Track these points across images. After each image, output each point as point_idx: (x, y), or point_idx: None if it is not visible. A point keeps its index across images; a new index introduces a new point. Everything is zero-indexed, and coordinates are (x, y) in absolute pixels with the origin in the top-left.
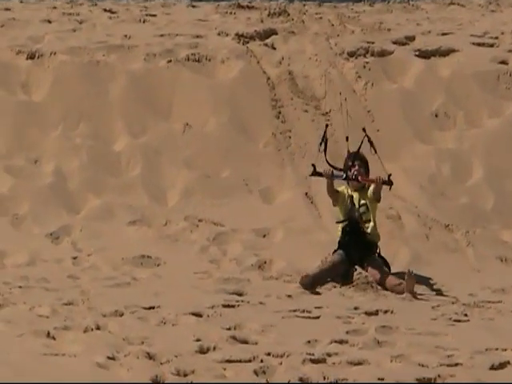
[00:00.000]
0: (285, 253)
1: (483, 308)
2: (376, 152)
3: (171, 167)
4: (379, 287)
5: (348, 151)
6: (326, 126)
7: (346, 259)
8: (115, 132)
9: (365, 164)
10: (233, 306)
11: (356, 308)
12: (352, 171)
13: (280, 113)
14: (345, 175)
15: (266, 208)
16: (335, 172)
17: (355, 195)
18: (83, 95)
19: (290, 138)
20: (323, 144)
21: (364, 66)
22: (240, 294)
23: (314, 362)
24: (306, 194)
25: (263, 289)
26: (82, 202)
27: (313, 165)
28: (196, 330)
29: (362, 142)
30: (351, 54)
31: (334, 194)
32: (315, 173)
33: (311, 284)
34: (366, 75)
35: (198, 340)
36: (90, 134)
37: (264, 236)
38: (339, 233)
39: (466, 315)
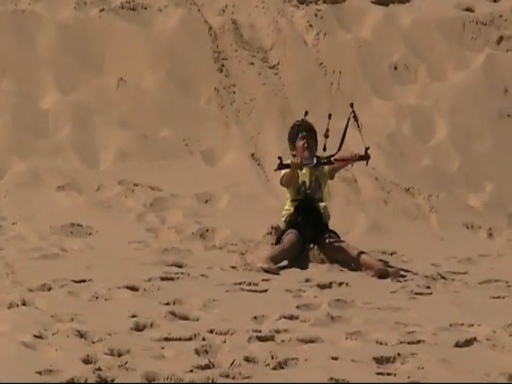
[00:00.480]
0: (229, 220)
1: (448, 280)
2: (360, 129)
3: (104, 127)
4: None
5: (297, 122)
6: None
7: (301, 240)
8: (42, 88)
9: (313, 134)
10: (172, 279)
11: (307, 280)
12: (301, 144)
13: (223, 66)
14: (315, 161)
15: (208, 171)
16: (304, 161)
17: (305, 171)
18: (7, 48)
19: (234, 93)
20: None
21: (316, 14)
22: (180, 266)
23: (261, 339)
24: (253, 155)
25: (205, 260)
26: (5, 165)
27: (279, 157)
28: (131, 305)
29: (349, 118)
30: (302, 1)
31: (294, 182)
32: (282, 165)
33: (276, 267)
34: (317, 24)
35: (133, 316)
36: (15, 91)
37: (206, 202)
38: (288, 211)
39: (428, 288)
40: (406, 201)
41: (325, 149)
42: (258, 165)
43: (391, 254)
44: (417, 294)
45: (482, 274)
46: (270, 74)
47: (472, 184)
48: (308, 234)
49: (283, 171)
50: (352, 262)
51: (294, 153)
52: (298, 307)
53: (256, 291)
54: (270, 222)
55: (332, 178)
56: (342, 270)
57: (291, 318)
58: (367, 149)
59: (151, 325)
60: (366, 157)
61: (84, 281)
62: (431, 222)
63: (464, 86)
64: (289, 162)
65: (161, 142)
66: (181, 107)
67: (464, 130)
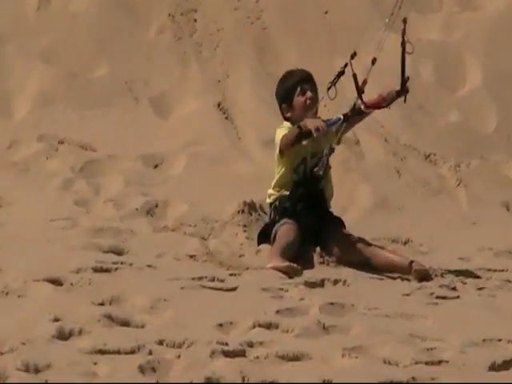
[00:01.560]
0: (186, 192)
1: (480, 279)
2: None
3: (20, 61)
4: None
5: (291, 72)
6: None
7: (299, 233)
8: None
9: (315, 86)
10: (108, 271)
11: (292, 276)
12: (303, 100)
13: None
14: (342, 117)
15: (159, 125)
16: (328, 121)
17: (306, 142)
18: None
19: (195, 21)
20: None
21: None
22: (119, 253)
23: (227, 354)
24: (219, 105)
25: (154, 245)
26: None
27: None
28: (54, 304)
29: (403, 47)
30: None
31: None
32: (303, 134)
33: (295, 266)
34: None
35: (56, 320)
36: None
37: (156, 166)
38: (279, 194)
39: (454, 289)
40: (426, 170)
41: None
42: (226, 118)
43: (405, 243)
44: (438, 297)
45: None
46: None
47: None
48: (309, 228)
49: (282, 134)
50: (373, 265)
51: (288, 114)
52: (278, 312)
53: (222, 289)
54: (241, 196)
55: (339, 142)
56: (338, 265)
57: (269, 326)
58: (406, 80)
59: (80, 331)
60: (403, 91)
61: None
62: (459, 199)
63: (504, 15)
64: (308, 124)
65: (95, 83)
66: (123, 38)
67: (504, 76)
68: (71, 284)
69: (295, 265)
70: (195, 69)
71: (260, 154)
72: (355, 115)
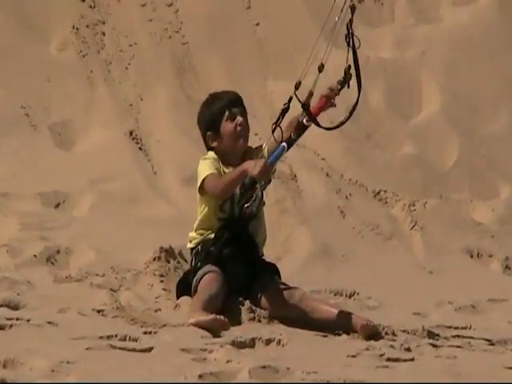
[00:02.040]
0: (93, 236)
1: (438, 338)
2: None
3: None
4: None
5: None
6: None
7: (226, 283)
8: None
9: (245, 111)
10: (2, 328)
11: (217, 335)
12: (232, 127)
13: None
14: (285, 144)
15: (61, 157)
16: (270, 158)
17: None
18: None
19: (103, 34)
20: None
21: None
22: (14, 308)
23: None
24: (131, 133)
25: (55, 299)
26: None
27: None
28: None
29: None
30: None
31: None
32: (246, 193)
33: (223, 318)
34: None
35: None
36: None
37: (57, 206)
38: (202, 237)
39: (408, 350)
40: (375, 211)
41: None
42: (140, 149)
43: (350, 296)
44: (390, 359)
45: (493, 330)
46: (161, 6)
47: (479, 186)
48: (237, 277)
49: (208, 171)
50: (312, 321)
51: (214, 144)
52: (200, 377)
53: (135, 350)
54: (157, 241)
55: (274, 171)
56: (271, 321)
57: None
58: (348, 69)
59: None
60: (346, 79)
61: None
62: (414, 245)
63: (467, 29)
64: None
65: None
66: (19, 55)
67: (467, 101)
68: None
69: (222, 317)
70: (103, 91)
71: (179, 193)
72: (300, 134)
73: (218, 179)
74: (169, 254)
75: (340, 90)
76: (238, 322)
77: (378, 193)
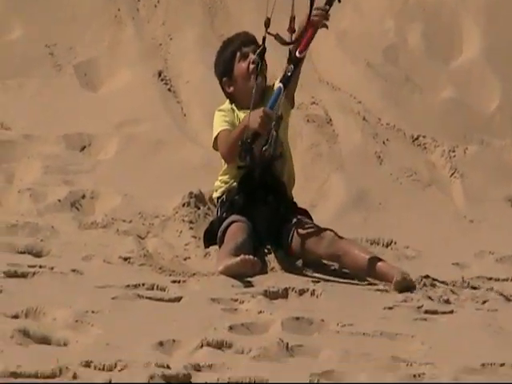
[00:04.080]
0: (120, 180)
1: (479, 290)
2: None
3: None
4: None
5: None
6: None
7: (253, 232)
8: None
9: (261, 50)
10: (24, 276)
11: (248, 285)
12: (244, 67)
13: None
14: (282, 85)
15: (87, 99)
16: (269, 103)
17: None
18: None
19: None
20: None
21: None
22: (37, 255)
23: (169, 380)
24: (160, 74)
25: (80, 246)
26: None
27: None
28: None
29: None
30: None
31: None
32: (250, 144)
33: (253, 258)
34: None
35: None
36: None
37: (82, 149)
38: (226, 184)
39: (447, 302)
40: (413, 157)
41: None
42: (169, 90)
43: (387, 245)
44: (428, 312)
45: None
46: None
47: None
48: (265, 224)
49: (219, 128)
50: (343, 265)
51: (231, 89)
52: (231, 328)
53: (163, 300)
54: (187, 186)
55: (293, 103)
56: (304, 271)
57: (220, 345)
58: None
59: None
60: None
61: None
62: (453, 193)
63: None
64: (242, 124)
65: (8, 47)
66: None
67: (508, 46)
68: None
69: (251, 256)
70: (131, 31)
71: (209, 136)
72: (296, 68)
73: (227, 138)
74: (198, 199)
75: (329, 8)
76: (271, 272)
77: (417, 138)
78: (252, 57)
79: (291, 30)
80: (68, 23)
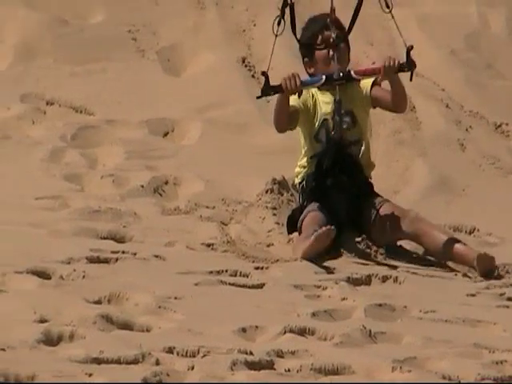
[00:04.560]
0: (202, 166)
1: None
2: (391, 11)
3: None
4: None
5: (310, 19)
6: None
7: (334, 220)
8: None
9: (343, 35)
10: (106, 262)
11: (331, 271)
12: (323, 54)
13: None
14: (324, 77)
15: (169, 83)
16: (305, 79)
17: (328, 97)
18: None
19: None
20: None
21: None
22: (120, 240)
23: (252, 366)
24: (244, 60)
25: (162, 231)
26: None
27: (264, 73)
28: (39, 302)
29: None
30: None
31: (289, 115)
32: (269, 88)
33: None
34: None
35: (42, 321)
36: None
37: (165, 135)
38: (305, 169)
39: None
40: (496, 144)
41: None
42: (253, 76)
43: (470, 233)
44: (510, 299)
45: None
46: None
47: None
48: (345, 209)
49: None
50: (422, 245)
51: (311, 70)
52: (314, 315)
53: (245, 286)
54: (270, 172)
55: (375, 104)
56: (388, 258)
57: (303, 332)
58: (409, 50)
59: (71, 336)
60: (409, 65)
61: None
62: None
63: None
64: (280, 81)
65: (91, 32)
66: None
67: None
68: (61, 277)
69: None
70: (214, 15)
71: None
72: (343, 79)
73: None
74: (282, 185)
75: (398, 72)
76: (354, 258)
77: (500, 125)
78: (330, 47)
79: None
80: (150, 7)
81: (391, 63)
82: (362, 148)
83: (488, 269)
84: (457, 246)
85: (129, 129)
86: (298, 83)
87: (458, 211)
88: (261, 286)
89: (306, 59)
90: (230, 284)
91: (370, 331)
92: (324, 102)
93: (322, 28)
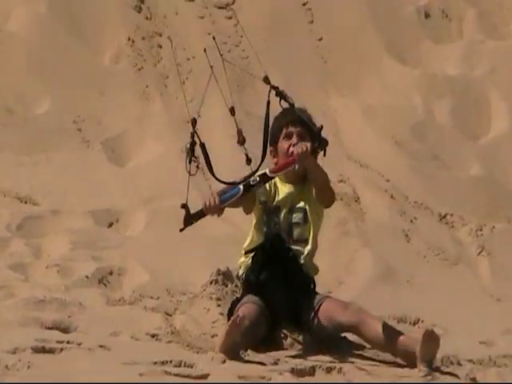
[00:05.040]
0: (147, 256)
1: (506, 368)
2: (292, 106)
3: None
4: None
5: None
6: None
7: (268, 315)
8: None
9: (306, 130)
10: (52, 352)
11: (276, 362)
12: (285, 147)
13: (143, 2)
14: (242, 187)
15: (114, 174)
16: (224, 195)
17: (285, 190)
18: None
19: (159, 47)
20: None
21: None
22: (65, 331)
23: None
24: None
25: (107, 322)
26: None
27: (184, 205)
28: None
29: (267, 105)
30: None
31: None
32: (190, 218)
33: (236, 352)
34: None
35: None
36: None
37: (110, 225)
38: (245, 261)
39: (473, 380)
40: (441, 235)
41: (249, 160)
42: (197, 167)
43: (414, 324)
44: None
45: None
46: (220, 18)
47: None
48: (280, 301)
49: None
50: (367, 340)
51: (275, 160)
52: None
53: (190, 377)
54: (215, 263)
55: (326, 202)
56: (331, 348)
57: None
58: (320, 129)
59: None
60: (320, 144)
61: None
62: (481, 270)
63: None
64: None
65: (36, 122)
66: (71, 66)
67: None
68: (6, 367)
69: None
70: (159, 106)
71: (237, 211)
72: (260, 183)
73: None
74: (226, 276)
75: (311, 154)
76: (296, 350)
77: (444, 216)
78: (294, 140)
79: (240, 142)
80: (96, 98)
81: (303, 149)
82: (308, 248)
83: (432, 350)
84: (399, 336)
85: (74, 219)
86: (218, 202)
87: (403, 302)
88: (205, 376)
89: (271, 148)
90: (174, 375)
91: None
92: (283, 192)
93: (287, 122)
